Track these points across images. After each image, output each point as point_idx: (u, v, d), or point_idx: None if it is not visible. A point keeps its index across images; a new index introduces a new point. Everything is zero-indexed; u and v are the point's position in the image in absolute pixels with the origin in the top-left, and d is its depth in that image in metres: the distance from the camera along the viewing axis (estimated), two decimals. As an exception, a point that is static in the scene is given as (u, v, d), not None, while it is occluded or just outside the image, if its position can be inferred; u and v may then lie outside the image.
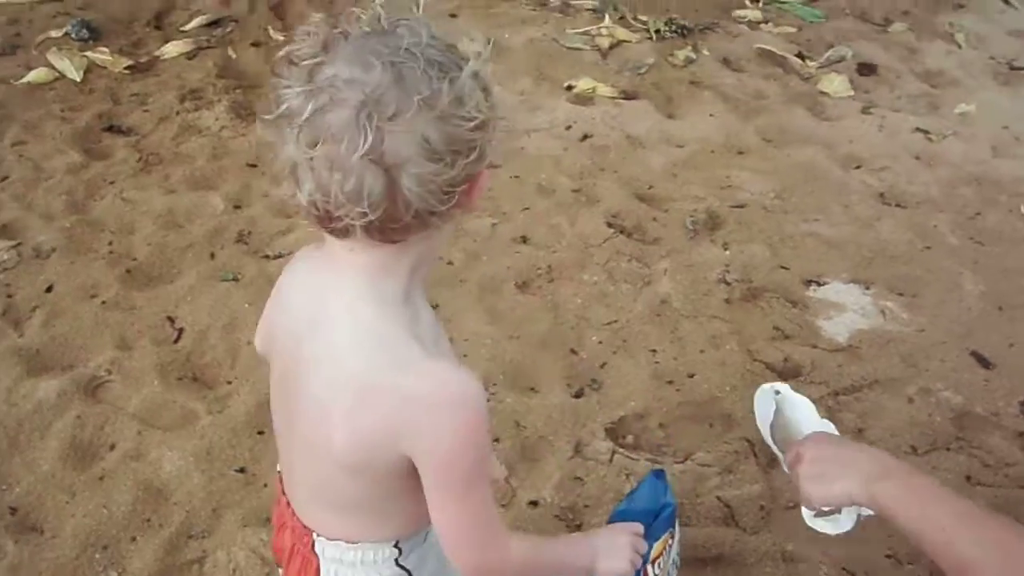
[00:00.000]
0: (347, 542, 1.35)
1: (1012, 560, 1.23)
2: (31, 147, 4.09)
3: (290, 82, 1.05)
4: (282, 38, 4.96)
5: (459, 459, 1.19)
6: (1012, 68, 4.91)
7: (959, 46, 5.11)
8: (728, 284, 3.26)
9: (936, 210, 3.73)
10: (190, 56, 4.82)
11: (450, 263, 3.32)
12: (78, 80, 4.64)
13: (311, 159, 1.04)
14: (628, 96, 4.49)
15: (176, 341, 2.99)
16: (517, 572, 1.31)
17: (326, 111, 1.02)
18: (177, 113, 4.34)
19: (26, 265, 3.34)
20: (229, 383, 2.83)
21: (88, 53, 4.77)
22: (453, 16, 5.05)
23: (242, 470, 2.53)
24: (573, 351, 2.96)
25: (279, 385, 1.34)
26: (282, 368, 1.32)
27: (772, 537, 2.35)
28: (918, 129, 4.28)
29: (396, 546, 1.36)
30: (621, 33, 5.06)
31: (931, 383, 2.86)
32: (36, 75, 4.62)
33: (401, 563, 1.38)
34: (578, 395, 2.79)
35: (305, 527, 1.38)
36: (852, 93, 4.60)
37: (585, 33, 5.05)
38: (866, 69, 4.83)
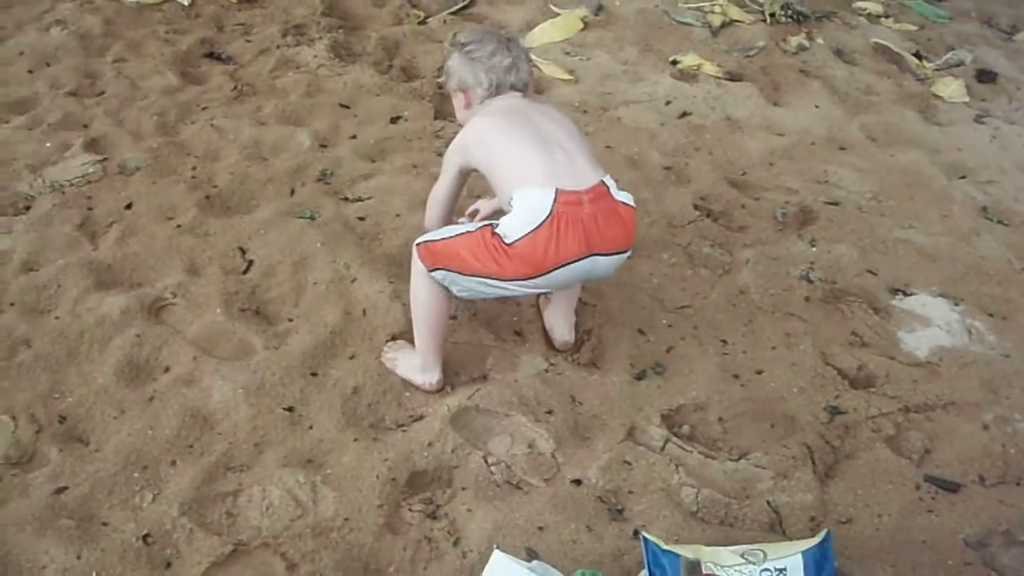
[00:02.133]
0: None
1: None
2: (131, 65, 4.13)
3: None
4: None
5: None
6: None
7: (1090, 62, 4.85)
8: (811, 282, 3.13)
9: (1041, 232, 3.53)
10: (300, -10, 4.82)
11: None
12: (186, 4, 4.69)
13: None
14: (733, 78, 4.35)
15: (244, 272, 2.98)
16: None
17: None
18: (277, 47, 4.35)
19: (110, 180, 3.38)
20: (290, 320, 2.81)
21: (201, -21, 4.82)
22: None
23: (290, 409, 2.50)
24: (641, 331, 2.87)
25: (524, 125, 2.43)
26: (521, 121, 2.45)
27: (819, 550, 2.23)
28: (1033, 145, 4.07)
29: None
30: (735, 12, 4.91)
31: (1010, 412, 2.69)
32: (147, -5, 4.67)
33: None
34: (639, 377, 2.70)
35: (599, 182, 2.36)
36: (967, 100, 4.39)
37: (698, 9, 4.92)
38: (985, 76, 4.60)
